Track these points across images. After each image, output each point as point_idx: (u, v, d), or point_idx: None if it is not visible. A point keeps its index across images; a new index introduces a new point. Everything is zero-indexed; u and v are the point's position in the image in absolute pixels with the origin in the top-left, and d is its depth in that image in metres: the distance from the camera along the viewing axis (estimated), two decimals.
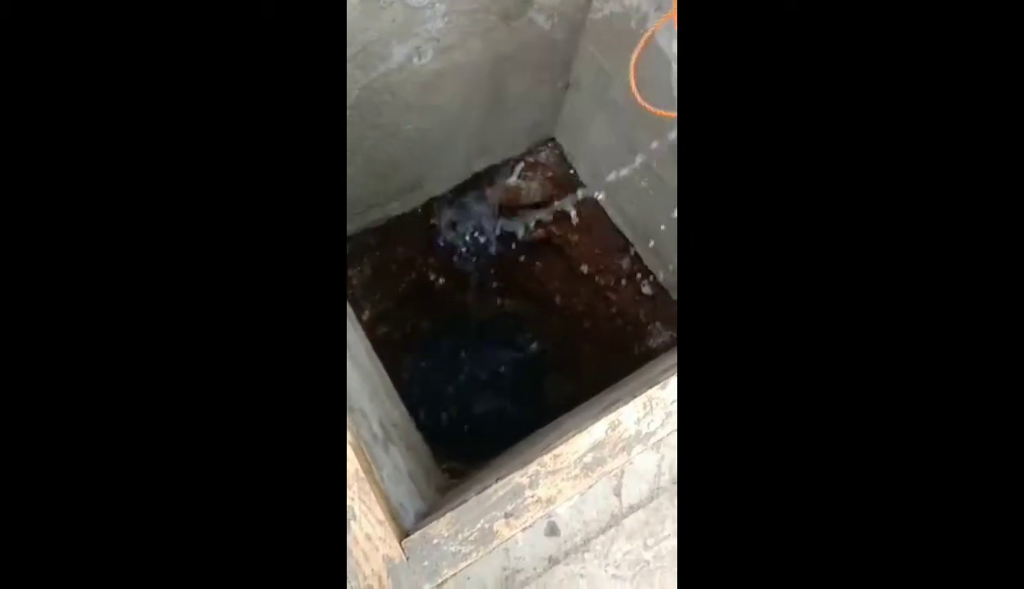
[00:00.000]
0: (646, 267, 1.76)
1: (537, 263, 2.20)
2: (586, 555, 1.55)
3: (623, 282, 1.91)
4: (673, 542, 1.56)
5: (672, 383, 0.77)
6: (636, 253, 1.77)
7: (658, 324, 1.78)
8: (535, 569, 0.71)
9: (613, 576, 1.57)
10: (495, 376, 2.37)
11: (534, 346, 2.37)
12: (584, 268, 2.00)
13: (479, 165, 1.72)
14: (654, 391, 0.76)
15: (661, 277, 1.72)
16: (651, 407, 0.76)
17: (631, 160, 1.51)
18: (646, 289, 1.79)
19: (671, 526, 1.59)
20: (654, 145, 1.40)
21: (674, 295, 1.70)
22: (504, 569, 0.70)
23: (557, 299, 2.26)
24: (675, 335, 1.74)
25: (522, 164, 1.81)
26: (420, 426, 2.21)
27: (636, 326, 1.87)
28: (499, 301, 2.36)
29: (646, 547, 1.56)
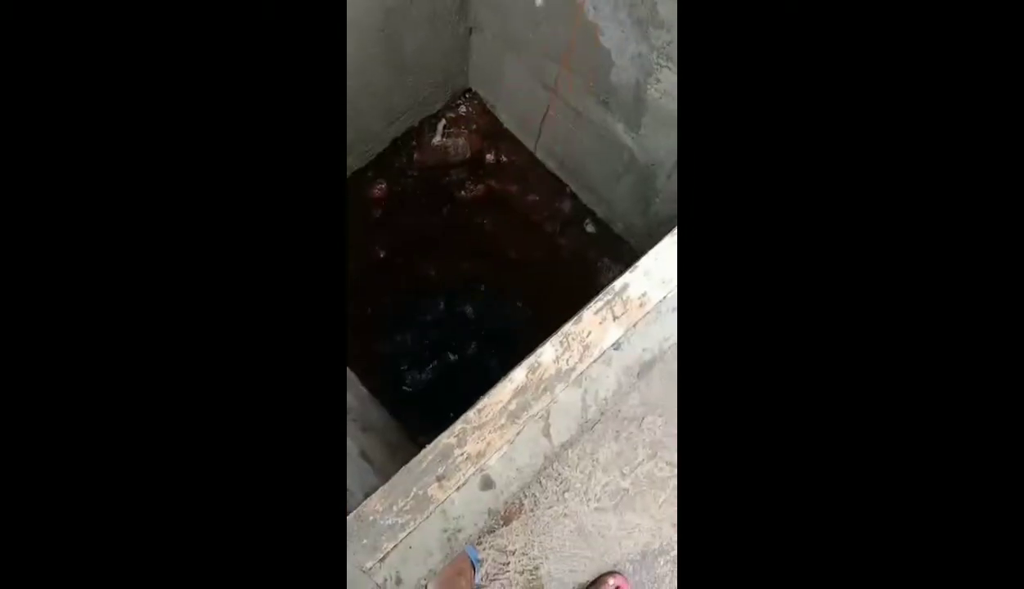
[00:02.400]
0: (585, 205, 1.73)
1: (485, 221, 2.16)
2: (566, 494, 1.58)
3: (569, 225, 1.88)
4: (648, 466, 1.59)
5: (585, 316, 0.75)
6: (572, 192, 1.73)
7: (606, 260, 1.77)
8: (476, 524, 0.70)
9: (596, 509, 1.60)
10: (465, 341, 2.36)
11: (500, 304, 2.36)
12: (530, 217, 1.97)
13: (396, 130, 1.66)
14: (569, 326, 0.75)
15: (600, 213, 1.69)
16: (568, 343, 0.74)
17: (546, 97, 1.46)
18: (589, 228, 1.77)
19: (643, 451, 1.61)
20: (565, 78, 1.35)
21: (615, 229, 1.68)
22: (445, 531, 0.70)
23: (512, 253, 2.23)
24: (622, 270, 1.74)
25: (443, 121, 1.75)
26: (394, 403, 2.20)
27: (587, 266, 1.85)
28: (458, 266, 2.33)
29: (623, 475, 1.59)
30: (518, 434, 0.72)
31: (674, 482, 1.54)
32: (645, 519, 1.54)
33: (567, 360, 0.74)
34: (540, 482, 1.50)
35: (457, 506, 0.70)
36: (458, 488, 0.70)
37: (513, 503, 1.49)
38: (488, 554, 1.47)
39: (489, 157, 1.87)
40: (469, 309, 2.40)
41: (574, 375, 0.73)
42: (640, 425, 1.54)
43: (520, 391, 0.73)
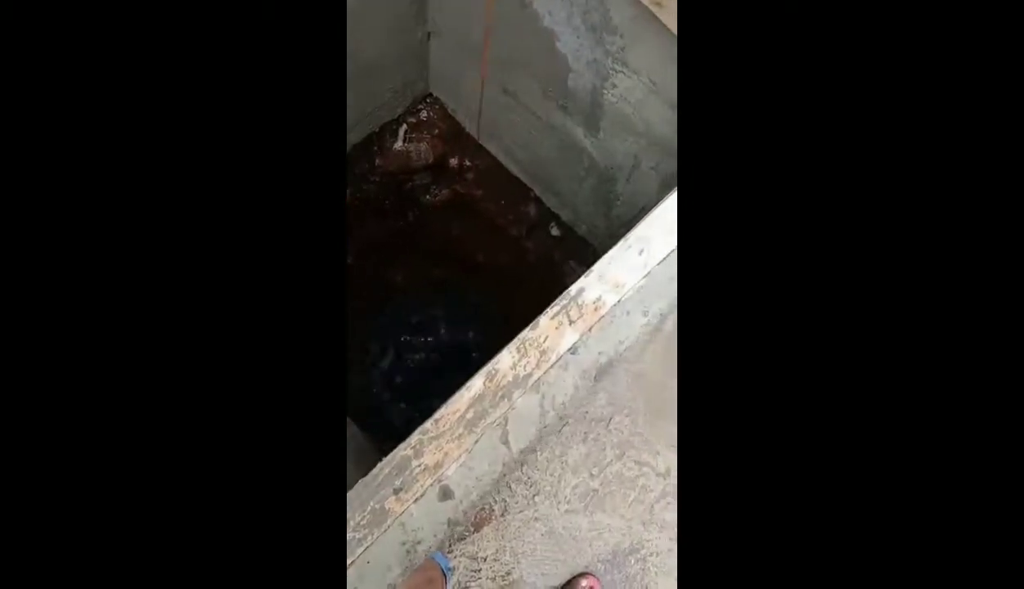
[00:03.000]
0: (549, 209, 1.74)
1: (453, 225, 2.15)
2: (536, 497, 1.58)
3: (534, 228, 1.89)
4: (617, 466, 1.60)
5: (542, 322, 0.75)
6: (537, 196, 1.74)
7: (572, 263, 1.78)
8: (435, 535, 0.69)
9: (566, 511, 1.60)
10: (434, 347, 2.35)
11: (469, 309, 2.35)
12: (495, 221, 1.97)
13: (357, 136, 1.64)
14: (526, 333, 0.75)
15: (565, 217, 1.70)
16: (525, 350, 0.74)
17: (507, 102, 1.46)
18: (554, 231, 1.77)
19: (611, 452, 1.62)
20: (526, 84, 1.35)
21: (579, 231, 1.69)
22: (403, 543, 0.69)
23: (480, 257, 2.23)
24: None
25: (405, 126, 1.74)
26: (361, 412, 2.17)
27: (553, 268, 1.86)
28: (426, 272, 2.32)
29: (592, 476, 1.60)
30: (476, 443, 0.72)
31: (643, 481, 1.55)
32: (615, 519, 1.55)
33: (524, 366, 0.74)
34: (510, 486, 1.49)
35: (416, 518, 0.70)
36: (416, 500, 0.69)
37: (483, 509, 1.48)
38: (459, 561, 1.46)
39: (453, 162, 1.86)
40: (438, 314, 2.39)
41: (531, 381, 0.73)
42: (608, 426, 1.55)
43: (477, 399, 0.72)
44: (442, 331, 2.38)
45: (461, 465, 0.71)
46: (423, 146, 1.77)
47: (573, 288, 0.77)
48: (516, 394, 0.73)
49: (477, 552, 1.53)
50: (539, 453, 1.55)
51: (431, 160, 1.82)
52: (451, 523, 0.71)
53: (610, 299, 0.76)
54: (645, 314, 0.77)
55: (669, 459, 1.58)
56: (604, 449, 1.59)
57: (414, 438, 0.71)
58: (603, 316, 0.75)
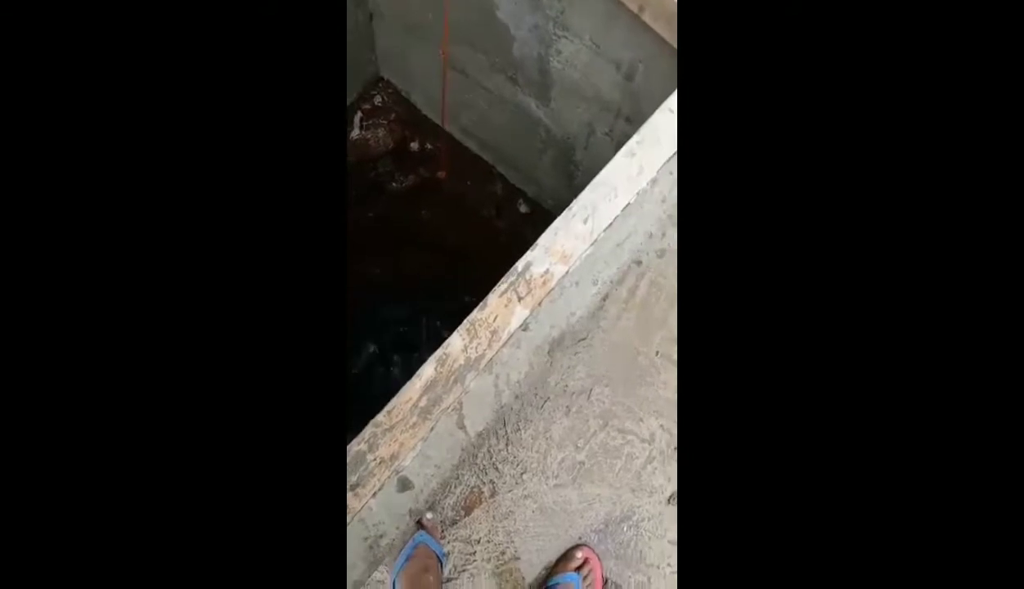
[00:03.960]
0: (514, 186, 1.71)
1: (423, 211, 2.11)
2: (524, 475, 1.58)
3: (502, 207, 1.86)
4: (601, 436, 1.60)
5: (491, 301, 0.73)
6: (501, 174, 1.71)
7: None
8: (398, 528, 0.68)
9: (555, 486, 1.61)
10: (414, 338, 2.33)
11: (446, 295, 2.33)
12: (464, 202, 1.93)
13: None
14: (475, 314, 0.73)
15: (530, 192, 1.67)
16: (475, 331, 0.72)
17: (457, 79, 1.42)
18: (522, 208, 1.75)
19: (594, 423, 1.62)
20: (473, 58, 1.31)
21: (545, 205, 1.67)
22: (366, 539, 0.68)
23: (452, 240, 2.20)
24: None
25: (359, 113, 1.69)
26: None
27: (526, 246, 1.84)
28: (401, 261, 2.29)
29: (577, 449, 1.60)
30: (432, 430, 0.70)
31: (628, 449, 1.55)
32: (604, 489, 1.55)
33: (476, 348, 0.72)
34: (496, 467, 1.49)
35: (375, 512, 0.68)
36: (374, 494, 0.68)
37: (472, 493, 1.48)
38: (453, 546, 1.46)
39: (413, 146, 1.82)
40: (416, 305, 2.36)
41: (484, 362, 0.72)
42: (589, 397, 1.54)
43: (430, 386, 0.71)
44: (420, 321, 2.35)
45: (418, 454, 0.70)
46: (380, 132, 1.73)
47: (520, 263, 0.75)
48: (469, 377, 0.71)
49: (470, 535, 1.53)
50: (523, 431, 1.54)
51: (391, 146, 1.78)
52: (413, 513, 0.70)
53: (557, 271, 0.74)
54: (595, 283, 0.75)
55: (652, 425, 1.58)
56: (587, 421, 1.59)
57: (367, 432, 0.69)
58: (552, 289, 0.74)
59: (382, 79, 1.67)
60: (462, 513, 1.59)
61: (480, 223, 1.97)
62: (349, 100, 1.64)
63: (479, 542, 1.56)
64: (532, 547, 1.57)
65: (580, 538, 1.55)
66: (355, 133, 1.71)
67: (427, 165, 1.90)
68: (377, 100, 1.69)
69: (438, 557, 1.55)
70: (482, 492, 1.58)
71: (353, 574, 0.67)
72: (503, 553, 1.55)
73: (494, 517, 1.49)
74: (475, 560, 1.55)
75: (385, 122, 1.73)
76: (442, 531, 1.51)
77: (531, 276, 0.74)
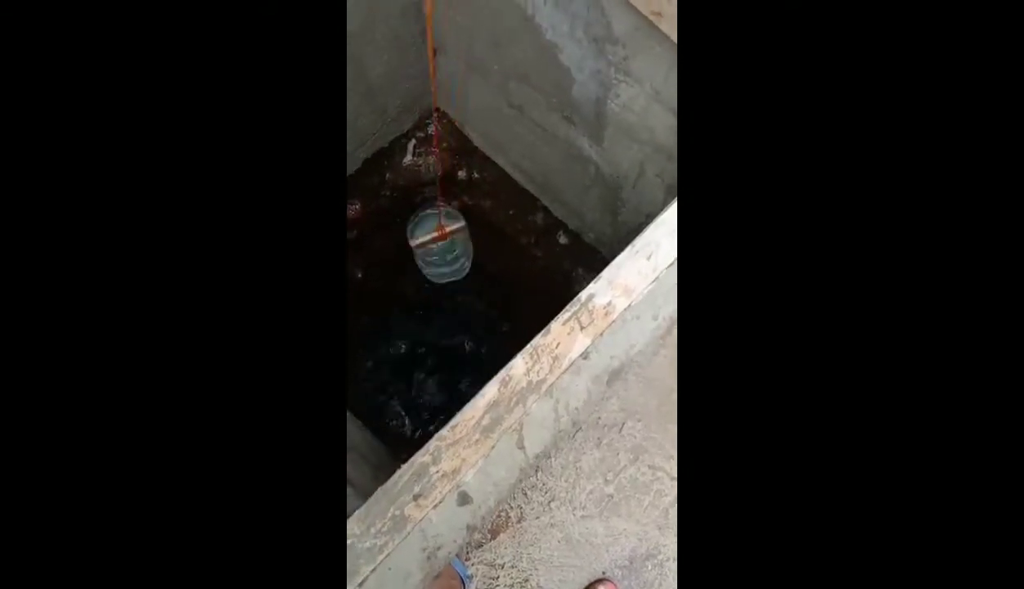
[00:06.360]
0: (557, 219, 1.76)
1: None
2: (552, 504, 1.58)
3: (542, 237, 1.91)
4: (631, 470, 1.60)
5: (554, 328, 0.77)
6: (544, 206, 1.76)
7: (580, 270, 1.79)
8: (455, 541, 0.71)
9: (582, 517, 1.60)
10: (446, 358, 2.36)
11: (481, 318, 2.37)
12: (504, 230, 1.99)
13: (367, 152, 1.67)
14: (538, 339, 0.76)
15: (572, 225, 1.72)
16: (537, 356, 0.76)
17: (513, 115, 1.48)
18: (562, 239, 1.79)
19: (625, 457, 1.62)
20: (531, 96, 1.38)
21: (587, 239, 1.71)
22: (424, 550, 0.70)
23: (489, 267, 2.25)
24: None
25: (413, 141, 1.77)
26: (377, 423, 2.18)
27: (563, 276, 1.88)
28: (436, 283, 2.33)
29: (606, 482, 1.60)
30: (492, 448, 0.73)
31: (657, 486, 1.55)
32: (631, 524, 1.55)
33: (538, 372, 0.75)
34: (525, 493, 1.50)
35: (435, 524, 0.71)
36: (435, 506, 0.71)
37: (499, 516, 1.48)
38: (477, 569, 1.46)
39: (461, 174, 1.89)
40: (449, 325, 2.40)
41: (545, 386, 0.75)
42: (620, 431, 1.55)
43: (493, 405, 0.74)
44: (453, 341, 2.39)
45: (479, 471, 0.73)
46: (432, 159, 1.80)
47: (583, 294, 0.79)
48: (531, 399, 0.74)
49: (495, 559, 1.54)
50: (553, 459, 1.55)
51: (440, 173, 1.85)
52: (470, 528, 0.72)
53: (620, 304, 0.77)
54: (655, 318, 0.78)
55: None
56: (618, 454, 1.60)
57: (432, 445, 0.72)
58: (613, 321, 0.77)
59: (437, 109, 1.75)
60: (488, 536, 1.59)
61: (518, 250, 2.02)
62: (405, 129, 1.72)
63: (503, 567, 1.56)
64: (555, 577, 1.56)
65: (604, 572, 1.54)
66: (407, 159, 1.78)
67: (472, 193, 1.96)
68: (431, 129, 1.77)
69: (462, 578, 1.54)
70: (509, 517, 1.58)
71: (409, 583, 0.69)
72: (526, 580, 1.54)
73: (520, 543, 1.49)
74: (498, 585, 1.54)
75: (436, 151, 1.80)
76: (468, 552, 1.51)
77: (594, 306, 0.78)
